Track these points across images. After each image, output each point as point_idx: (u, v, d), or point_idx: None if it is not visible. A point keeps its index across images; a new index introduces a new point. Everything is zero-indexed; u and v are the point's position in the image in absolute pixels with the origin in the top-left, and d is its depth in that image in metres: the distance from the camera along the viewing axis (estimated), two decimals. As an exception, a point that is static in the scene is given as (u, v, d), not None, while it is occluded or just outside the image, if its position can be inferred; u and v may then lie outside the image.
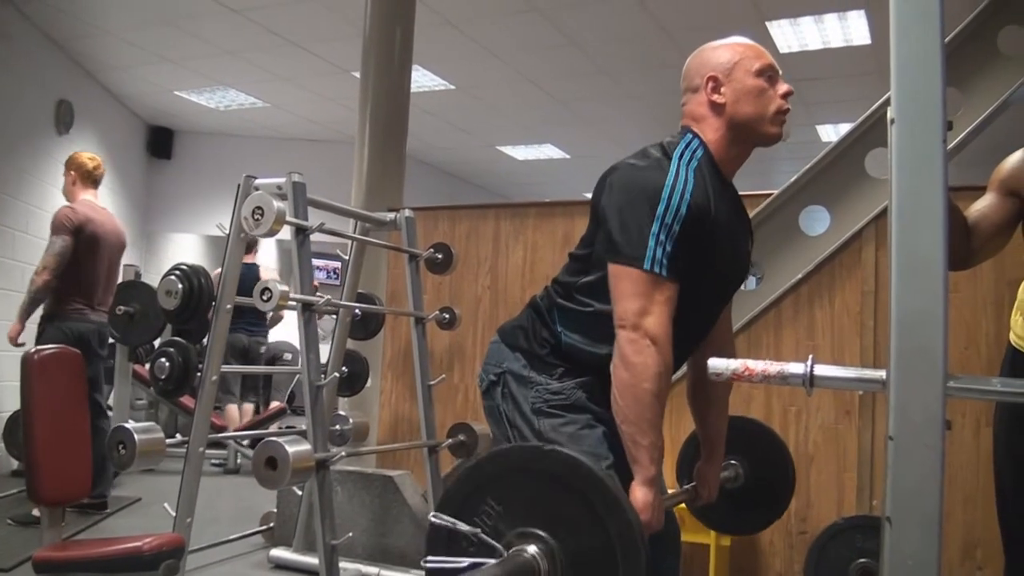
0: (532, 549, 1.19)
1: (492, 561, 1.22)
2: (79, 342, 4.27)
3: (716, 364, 1.21)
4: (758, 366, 1.16)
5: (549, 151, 10.84)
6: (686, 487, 2.09)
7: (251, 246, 6.58)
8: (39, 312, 4.63)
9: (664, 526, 1.98)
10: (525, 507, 1.24)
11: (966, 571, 3.31)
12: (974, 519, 3.26)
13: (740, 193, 1.97)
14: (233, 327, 6.72)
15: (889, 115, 1.20)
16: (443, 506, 1.30)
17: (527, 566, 1.18)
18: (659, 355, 1.62)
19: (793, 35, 6.76)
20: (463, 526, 1.24)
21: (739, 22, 6.11)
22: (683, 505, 3.29)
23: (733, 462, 2.20)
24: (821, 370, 1.16)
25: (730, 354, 2.10)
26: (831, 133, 9.14)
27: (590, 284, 1.83)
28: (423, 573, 3.69)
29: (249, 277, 5.34)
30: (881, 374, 1.14)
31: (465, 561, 1.23)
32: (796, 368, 1.15)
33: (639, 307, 1.65)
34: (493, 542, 1.22)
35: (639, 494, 1.63)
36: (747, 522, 2.38)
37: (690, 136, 1.85)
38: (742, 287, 3.68)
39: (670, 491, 2.08)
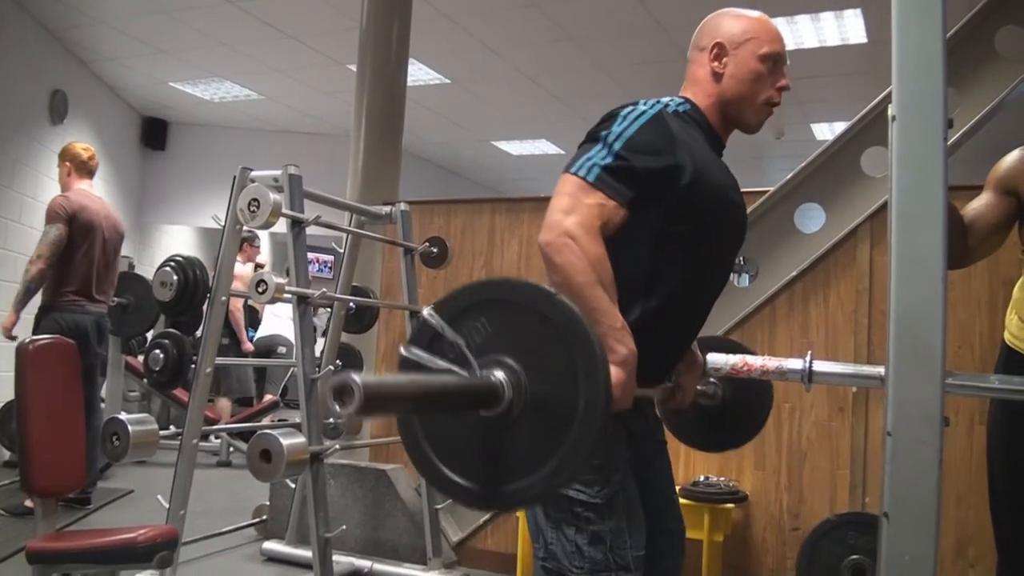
0: (501, 375, 1.21)
1: (464, 373, 1.24)
2: (75, 333, 4.26)
3: (715, 359, 1.21)
4: (757, 361, 1.17)
5: (544, 146, 10.83)
6: (664, 384, 2.06)
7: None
8: (35, 302, 4.61)
9: (668, 524, 1.98)
10: (513, 339, 1.25)
11: (959, 569, 3.32)
12: (967, 517, 3.27)
13: (745, 190, 1.96)
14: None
15: (890, 112, 1.20)
16: (440, 308, 1.31)
17: (492, 388, 1.19)
18: (580, 248, 1.59)
19: (789, 33, 6.77)
20: (450, 332, 1.26)
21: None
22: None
23: (714, 381, 2.19)
24: (820, 366, 1.16)
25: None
26: (826, 131, 9.16)
27: None
28: (416, 567, 3.72)
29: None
30: (880, 370, 1.15)
31: (440, 362, 1.25)
32: (795, 364, 1.15)
33: (561, 207, 1.63)
34: (470, 356, 1.23)
35: (612, 373, 1.61)
36: (719, 440, 2.37)
37: (680, 98, 1.86)
38: (736, 284, 3.71)
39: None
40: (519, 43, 7.32)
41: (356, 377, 0.98)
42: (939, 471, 1.12)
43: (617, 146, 1.68)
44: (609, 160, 1.67)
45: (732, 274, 3.71)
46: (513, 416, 1.21)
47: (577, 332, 1.22)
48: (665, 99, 1.82)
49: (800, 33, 6.79)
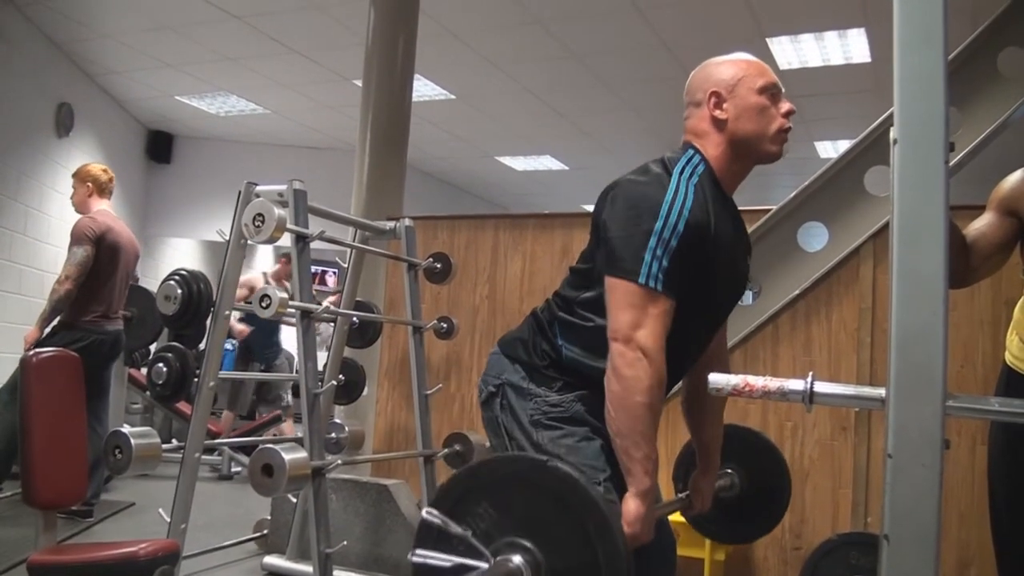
0: (518, 559, 1.20)
1: (479, 565, 1.22)
2: (97, 350, 4.32)
3: (716, 379, 1.21)
4: (758, 382, 1.17)
5: (548, 162, 10.87)
6: (680, 496, 2.08)
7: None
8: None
9: (658, 538, 1.99)
10: (518, 517, 1.25)
11: (960, 589, 3.32)
12: (969, 537, 3.26)
13: (739, 208, 1.97)
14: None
15: (892, 135, 1.21)
16: (437, 503, 1.30)
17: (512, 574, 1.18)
18: (651, 368, 1.62)
19: (793, 52, 6.80)
20: (454, 527, 1.25)
21: (740, 38, 6.14)
22: (679, 515, 3.31)
23: (729, 471, 2.20)
24: (821, 387, 1.16)
25: (724, 366, 2.10)
26: (830, 150, 9.18)
27: (591, 299, 1.83)
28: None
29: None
30: (880, 392, 1.15)
31: (452, 560, 1.23)
32: (796, 385, 1.16)
33: (632, 320, 1.65)
34: (481, 547, 1.22)
35: (632, 506, 1.62)
36: (741, 532, 2.38)
37: (691, 152, 1.86)
38: (739, 302, 3.71)
39: (665, 500, 2.08)
40: (524, 60, 7.36)
41: None
42: (940, 493, 1.12)
43: (673, 243, 1.69)
44: (667, 262, 1.68)
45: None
46: None
47: (579, 496, 1.23)
48: (684, 162, 1.83)
49: (804, 52, 6.81)
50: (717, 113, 1.85)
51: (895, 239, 1.17)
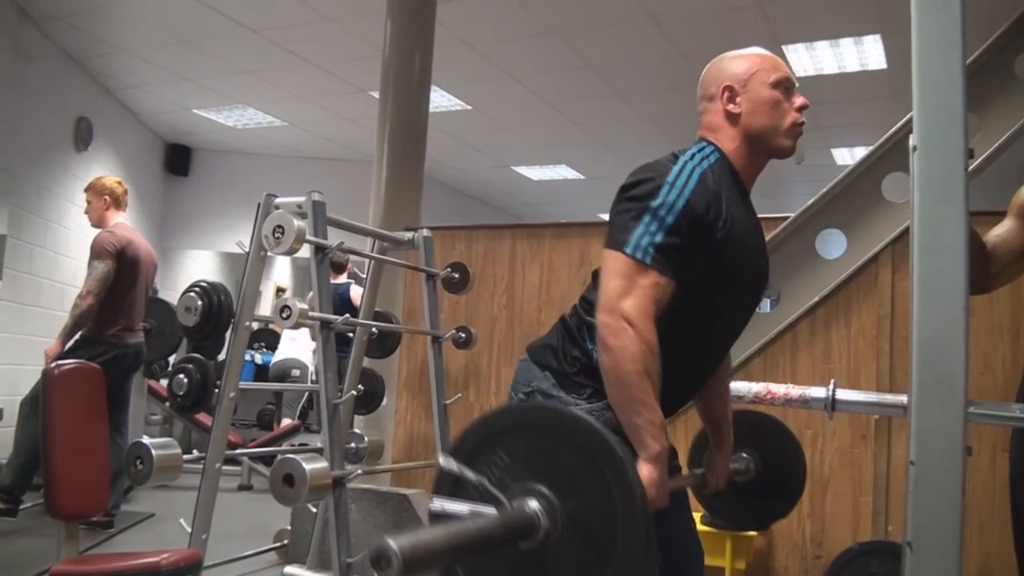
0: (534, 504, 1.19)
1: (493, 510, 1.23)
2: (120, 364, 4.35)
3: (739, 387, 1.22)
4: (780, 389, 1.17)
5: (564, 172, 10.87)
6: (694, 472, 2.07)
7: (338, 266, 6.60)
8: None
9: (687, 552, 1.98)
10: (533, 463, 1.24)
11: (982, 597, 3.30)
12: (990, 545, 3.24)
13: (761, 216, 1.97)
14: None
15: (911, 142, 1.21)
16: (454, 451, 1.30)
17: (527, 520, 1.18)
18: (636, 335, 1.60)
19: (809, 59, 6.79)
20: (470, 473, 1.25)
21: (755, 44, 6.13)
22: (700, 528, 3.29)
23: (745, 455, 2.19)
24: (843, 395, 1.17)
25: (727, 368, 2.10)
26: (846, 157, 9.14)
27: None
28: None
29: (339, 299, 5.39)
30: (902, 399, 1.15)
31: (469, 507, 1.23)
32: (818, 392, 1.16)
33: (618, 289, 1.63)
34: (497, 493, 1.22)
35: (644, 471, 1.60)
36: (756, 516, 2.37)
37: (704, 144, 1.86)
38: (757, 310, 3.71)
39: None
40: (539, 70, 7.37)
41: (392, 543, 0.97)
42: (963, 500, 1.12)
43: (669, 220, 1.67)
44: (660, 237, 1.66)
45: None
46: (553, 541, 1.19)
47: (596, 442, 1.22)
48: (695, 150, 1.83)
49: (819, 59, 6.80)
50: (731, 107, 1.85)
51: (915, 246, 1.18)
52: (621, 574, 1.16)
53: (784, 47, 6.47)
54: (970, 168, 3.23)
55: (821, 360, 3.59)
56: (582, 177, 10.92)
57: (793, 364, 3.61)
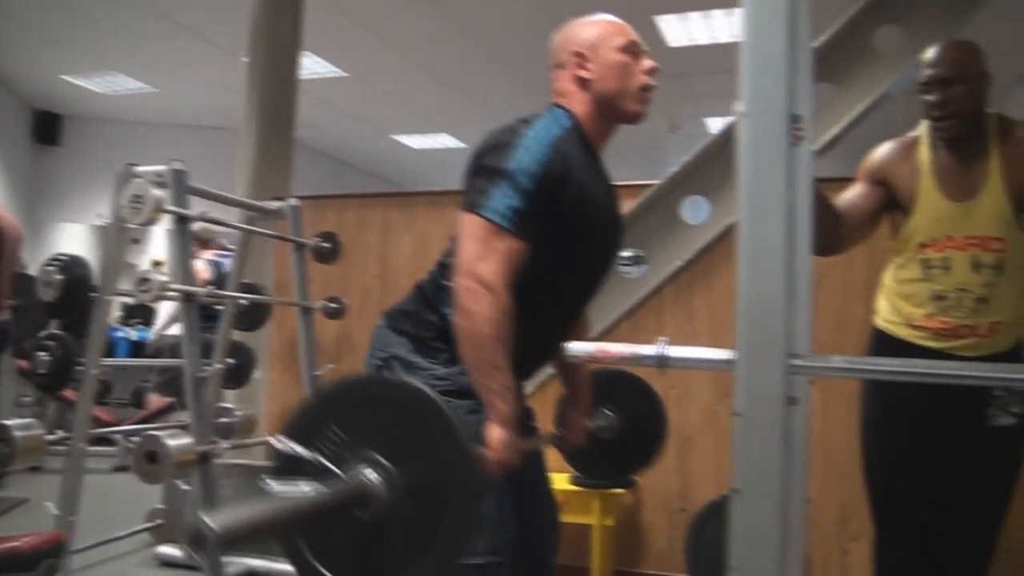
0: (371, 474, 1.20)
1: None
2: None
3: (574, 348, 1.25)
4: (613, 348, 1.21)
5: (445, 140, 10.84)
6: (554, 432, 2.12)
7: (209, 242, 6.36)
8: None
9: (542, 509, 2.03)
10: (369, 436, 1.24)
11: (841, 542, 3.47)
12: (849, 493, 3.40)
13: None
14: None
15: (738, 109, 1.25)
16: (288, 432, 1.30)
17: (363, 490, 1.19)
18: (493, 299, 1.63)
19: (682, 29, 6.92)
20: (302, 451, 1.25)
21: (627, 15, 6.10)
22: (568, 488, 3.37)
23: (608, 412, 2.26)
24: (673, 351, 1.21)
25: (583, 328, 2.15)
26: (720, 126, 9.37)
27: None
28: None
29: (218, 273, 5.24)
30: (730, 354, 1.20)
31: (301, 483, 1.22)
32: (649, 350, 1.20)
33: (475, 252, 1.66)
34: (332, 467, 1.22)
35: (495, 432, 1.65)
36: (620, 470, 2.45)
37: (557, 109, 1.89)
38: (626, 275, 3.78)
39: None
40: (415, 37, 7.31)
41: (208, 519, 0.96)
42: (786, 449, 1.17)
43: (525, 183, 1.70)
44: (517, 202, 1.69)
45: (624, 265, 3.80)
46: (393, 509, 1.20)
47: (427, 408, 1.23)
48: (548, 115, 1.85)
49: (692, 30, 6.94)
50: (581, 73, 1.88)
51: (742, 208, 1.22)
52: (458, 535, 1.19)
53: (656, 17, 6.58)
54: (831, 136, 3.34)
55: (685, 322, 3.69)
56: (463, 146, 10.89)
57: (659, 327, 3.71)
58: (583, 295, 1.99)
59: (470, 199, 1.72)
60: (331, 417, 1.27)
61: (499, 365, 1.66)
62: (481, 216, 1.69)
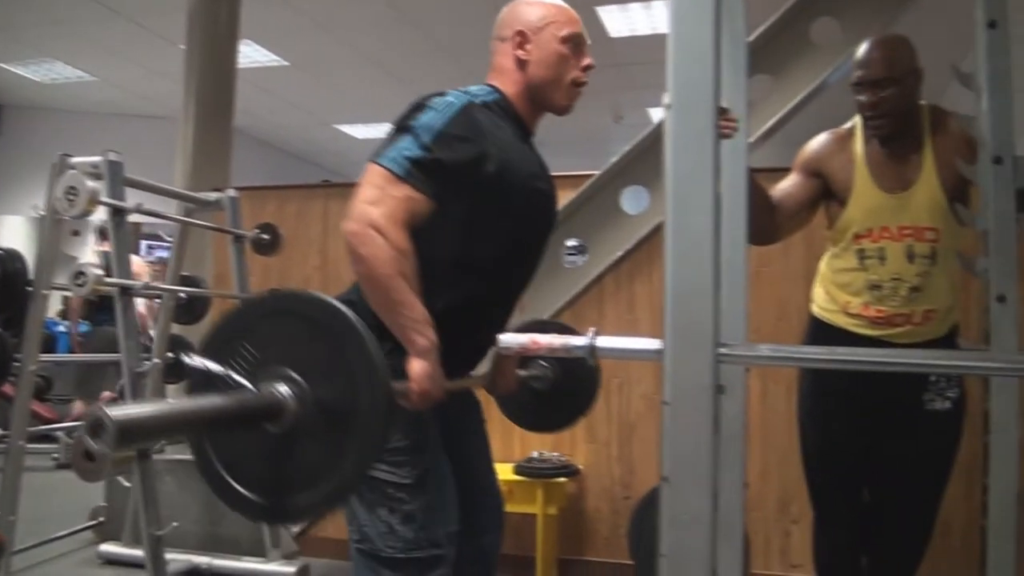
0: (282, 388, 1.20)
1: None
2: None
3: (505, 339, 1.25)
4: (544, 339, 1.22)
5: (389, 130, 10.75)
6: (483, 373, 2.11)
7: (107, 233, 6.23)
8: None
9: (487, 500, 2.03)
10: (282, 352, 1.24)
11: (782, 525, 3.54)
12: (789, 477, 3.46)
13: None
14: (102, 319, 6.41)
15: (665, 101, 1.26)
16: (203, 349, 1.29)
17: (272, 402, 1.18)
18: (385, 239, 1.62)
19: (623, 20, 6.95)
20: (214, 366, 1.23)
21: (570, 5, 6.22)
22: (512, 478, 3.38)
23: (543, 364, 2.27)
24: (602, 342, 1.22)
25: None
26: (661, 116, 9.44)
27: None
28: (256, 560, 3.66)
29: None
30: (658, 344, 1.21)
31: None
32: (579, 340, 1.21)
33: (368, 198, 1.65)
34: (243, 381, 1.21)
35: (416, 366, 1.64)
36: (551, 420, 2.46)
37: (486, 86, 1.90)
38: (568, 265, 3.80)
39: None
40: (358, 25, 7.24)
41: (109, 411, 0.95)
42: (714, 437, 1.19)
43: (426, 138, 1.70)
44: (418, 153, 1.69)
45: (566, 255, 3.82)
46: (301, 427, 1.20)
47: (338, 321, 1.23)
48: (474, 88, 1.86)
49: (633, 20, 6.97)
50: (519, 53, 1.89)
51: (669, 199, 1.23)
52: (365, 448, 1.19)
53: (598, 8, 6.60)
54: (766, 127, 3.37)
55: (626, 311, 3.73)
56: (408, 135, 10.83)
57: (600, 316, 3.73)
58: (520, 273, 1.97)
59: (374, 153, 1.72)
60: (244, 334, 1.26)
61: (405, 301, 1.64)
62: (378, 164, 1.69)
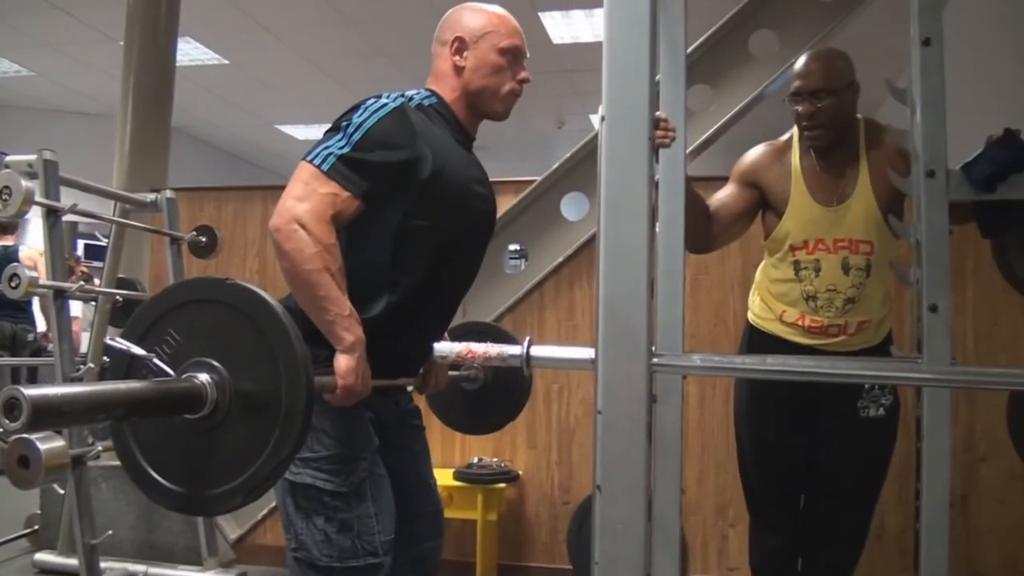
0: (204, 376, 1.19)
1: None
2: None
3: (441, 347, 1.26)
4: (480, 348, 1.23)
5: (331, 131, 10.66)
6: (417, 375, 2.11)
7: (9, 227, 6.12)
8: None
9: (426, 507, 2.02)
10: (204, 339, 1.23)
11: (719, 529, 3.59)
12: (726, 482, 3.52)
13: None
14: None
15: (600, 112, 1.27)
16: (127, 333, 1.28)
17: (191, 390, 1.17)
18: (309, 236, 1.62)
19: (566, 27, 6.98)
20: (137, 350, 1.22)
21: (512, 11, 6.22)
22: (452, 483, 3.38)
23: (475, 366, 2.27)
24: (536, 351, 1.23)
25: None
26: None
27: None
28: (192, 568, 3.61)
29: (6, 260, 4.98)
30: (591, 353, 1.22)
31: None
32: (514, 350, 1.21)
33: (294, 194, 1.66)
34: (167, 368, 1.21)
35: (342, 361, 1.65)
36: (482, 422, 2.47)
37: (424, 90, 1.90)
38: (508, 270, 3.81)
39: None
40: (298, 25, 7.18)
41: (24, 390, 0.94)
42: (647, 446, 1.19)
43: (356, 137, 1.70)
44: (346, 150, 1.69)
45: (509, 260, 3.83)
46: (221, 417, 1.19)
47: (260, 309, 1.22)
48: (411, 92, 1.86)
49: (575, 27, 7.01)
50: (456, 59, 1.89)
51: (602, 209, 1.24)
52: (285, 440, 1.18)
53: (541, 14, 6.62)
54: (704, 136, 3.41)
55: (566, 317, 3.75)
56: (350, 137, 10.75)
57: (540, 322, 3.75)
58: (457, 279, 1.97)
59: (307, 151, 1.73)
60: (169, 320, 1.25)
61: (331, 296, 1.64)
62: (307, 162, 1.70)
